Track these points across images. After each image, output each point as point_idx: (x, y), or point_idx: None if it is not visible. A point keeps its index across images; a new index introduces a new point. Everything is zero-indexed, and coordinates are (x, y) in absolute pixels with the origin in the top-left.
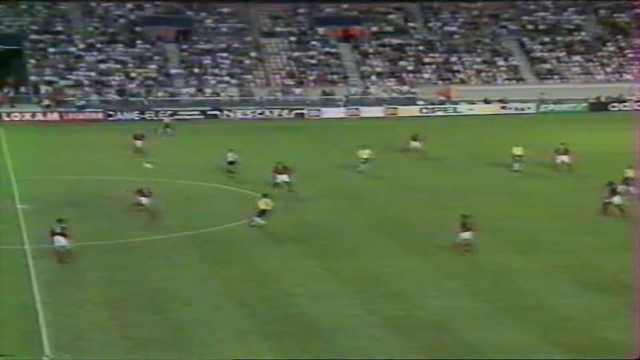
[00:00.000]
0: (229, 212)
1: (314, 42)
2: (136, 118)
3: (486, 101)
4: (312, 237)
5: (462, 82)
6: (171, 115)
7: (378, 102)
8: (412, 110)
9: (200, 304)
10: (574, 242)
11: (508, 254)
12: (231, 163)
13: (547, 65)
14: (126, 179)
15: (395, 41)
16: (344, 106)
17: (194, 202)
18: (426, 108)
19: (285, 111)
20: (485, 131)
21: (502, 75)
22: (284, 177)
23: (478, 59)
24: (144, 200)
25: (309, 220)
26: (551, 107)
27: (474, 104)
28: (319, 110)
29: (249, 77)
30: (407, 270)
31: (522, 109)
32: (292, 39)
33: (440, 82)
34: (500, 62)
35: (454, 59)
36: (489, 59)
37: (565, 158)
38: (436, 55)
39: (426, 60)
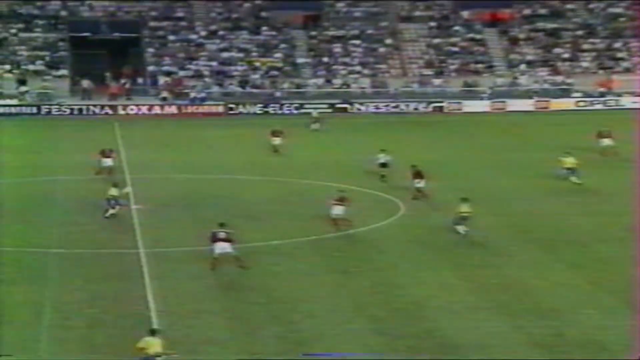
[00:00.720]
0: (358, 216)
1: (456, 28)
2: (259, 112)
3: None
4: (447, 245)
5: (627, 71)
6: (297, 108)
7: (528, 94)
8: (566, 104)
9: (326, 317)
10: None
11: None
12: (383, 165)
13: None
14: (247, 178)
15: (549, 25)
16: (489, 99)
17: (318, 204)
18: (583, 101)
19: (423, 104)
20: None
21: None
22: (419, 183)
23: None
24: None
25: (444, 225)
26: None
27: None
28: (459, 103)
29: (383, 66)
30: (558, 284)
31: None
32: (432, 24)
33: (600, 72)
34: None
35: (618, 44)
36: None
37: None
38: (597, 40)
39: (585, 46)
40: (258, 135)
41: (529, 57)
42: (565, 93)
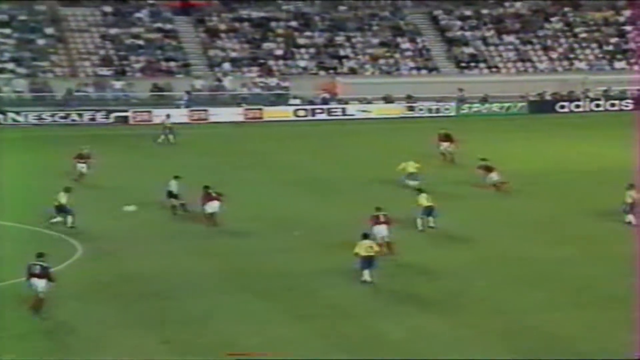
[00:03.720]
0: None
1: (139, 15)
2: None
3: (387, 99)
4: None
5: (352, 72)
6: None
7: (235, 100)
8: (283, 112)
9: None
10: None
11: None
12: (172, 194)
13: (469, 49)
14: None
15: (256, 14)
16: (186, 106)
17: None
18: (303, 109)
19: (101, 114)
20: (385, 140)
21: (408, 63)
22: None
23: (374, 40)
24: None
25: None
26: (476, 106)
27: (369, 103)
28: (149, 112)
29: (45, 64)
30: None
31: (437, 110)
32: (107, 9)
33: (321, 73)
34: (405, 45)
35: (339, 39)
36: (389, 39)
37: (494, 176)
38: (314, 34)
39: (301, 41)
40: None
41: (234, 54)
42: (282, 99)
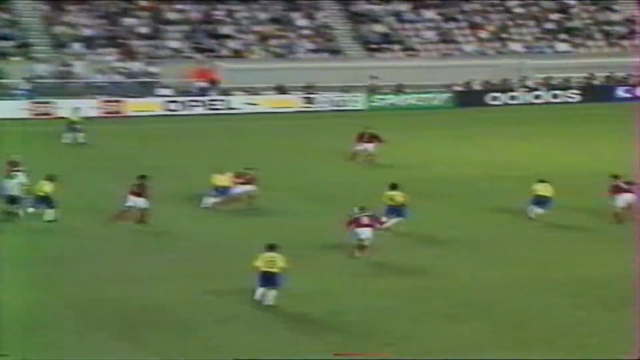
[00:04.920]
0: None
1: None
2: None
3: (280, 89)
4: None
5: (237, 55)
6: None
7: (89, 90)
8: (149, 105)
9: None
10: None
11: None
12: None
13: (380, 27)
14: None
15: None
16: (26, 97)
17: None
18: (175, 101)
19: None
20: (278, 140)
21: (305, 45)
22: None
23: (262, 15)
24: None
25: None
26: (390, 98)
27: (258, 94)
28: None
29: None
30: None
31: (342, 102)
32: None
33: (197, 56)
34: (301, 21)
35: (219, 13)
36: (281, 14)
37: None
38: (187, 7)
39: (171, 16)
40: None
41: (86, 32)
42: (147, 89)
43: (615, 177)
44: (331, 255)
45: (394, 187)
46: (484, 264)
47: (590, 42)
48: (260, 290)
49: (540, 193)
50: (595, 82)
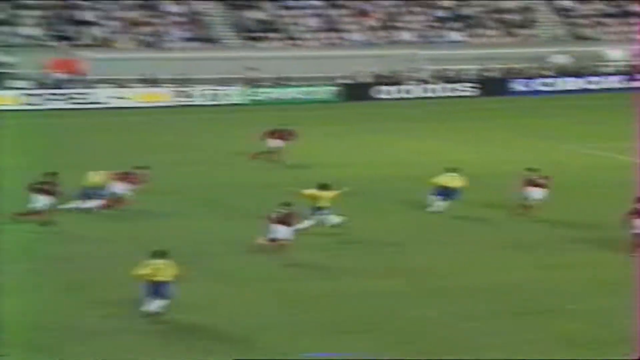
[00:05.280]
0: None
1: None
2: None
3: (149, 81)
4: None
5: (100, 44)
6: None
7: None
8: (1, 98)
9: None
10: None
11: None
12: None
13: (259, 14)
14: None
15: None
16: None
17: None
18: (31, 94)
19: None
20: (146, 137)
21: (177, 32)
22: None
23: (129, 1)
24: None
25: None
26: (269, 91)
27: (125, 86)
28: None
29: None
30: None
31: (218, 96)
32: None
33: (55, 45)
34: (171, 7)
35: None
36: (152, 0)
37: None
38: None
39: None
40: None
41: None
42: (1, 81)
43: (531, 170)
44: (221, 260)
45: (323, 187)
46: (379, 271)
47: (484, 31)
48: (148, 300)
49: (443, 184)
50: (491, 75)
